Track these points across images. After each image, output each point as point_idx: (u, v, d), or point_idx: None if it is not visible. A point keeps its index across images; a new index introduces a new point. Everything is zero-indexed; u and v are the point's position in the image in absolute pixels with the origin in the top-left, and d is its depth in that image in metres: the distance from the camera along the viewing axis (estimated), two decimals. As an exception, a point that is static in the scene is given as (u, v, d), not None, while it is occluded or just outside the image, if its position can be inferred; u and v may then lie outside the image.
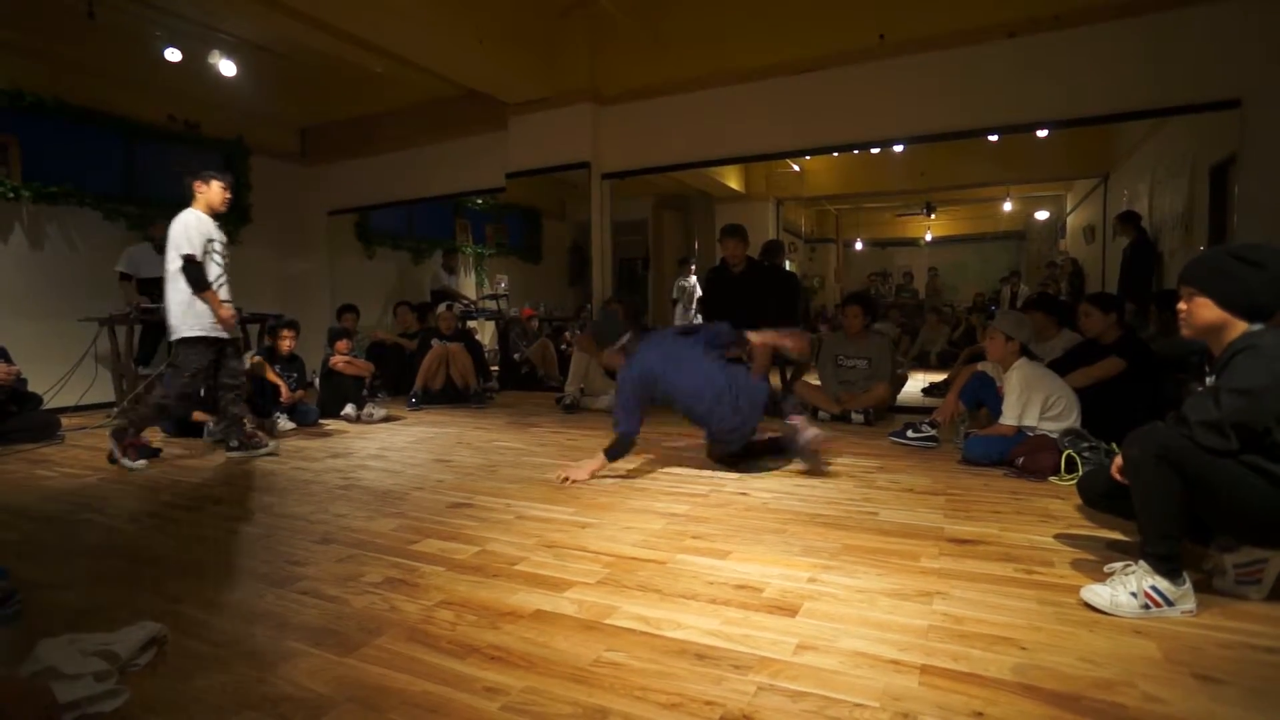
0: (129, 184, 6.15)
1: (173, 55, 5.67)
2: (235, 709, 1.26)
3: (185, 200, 3.55)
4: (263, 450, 3.70)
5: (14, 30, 5.29)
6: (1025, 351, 3.35)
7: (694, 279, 7.86)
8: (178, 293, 3.45)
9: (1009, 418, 3.18)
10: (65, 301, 5.48)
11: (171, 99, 6.35)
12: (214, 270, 3.53)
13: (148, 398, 3.65)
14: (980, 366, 3.69)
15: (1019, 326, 3.33)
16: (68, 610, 1.71)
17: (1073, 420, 3.11)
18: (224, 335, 3.57)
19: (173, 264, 3.44)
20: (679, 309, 8.08)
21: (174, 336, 3.50)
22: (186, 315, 3.45)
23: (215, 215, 3.59)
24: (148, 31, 5.59)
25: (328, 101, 7.28)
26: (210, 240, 3.52)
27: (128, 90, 6.03)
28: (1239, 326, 1.66)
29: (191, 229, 3.43)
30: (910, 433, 3.68)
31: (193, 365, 3.47)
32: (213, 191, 3.53)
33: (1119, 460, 1.75)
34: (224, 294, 3.58)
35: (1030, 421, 3.15)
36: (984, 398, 3.57)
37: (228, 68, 5.92)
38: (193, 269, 3.40)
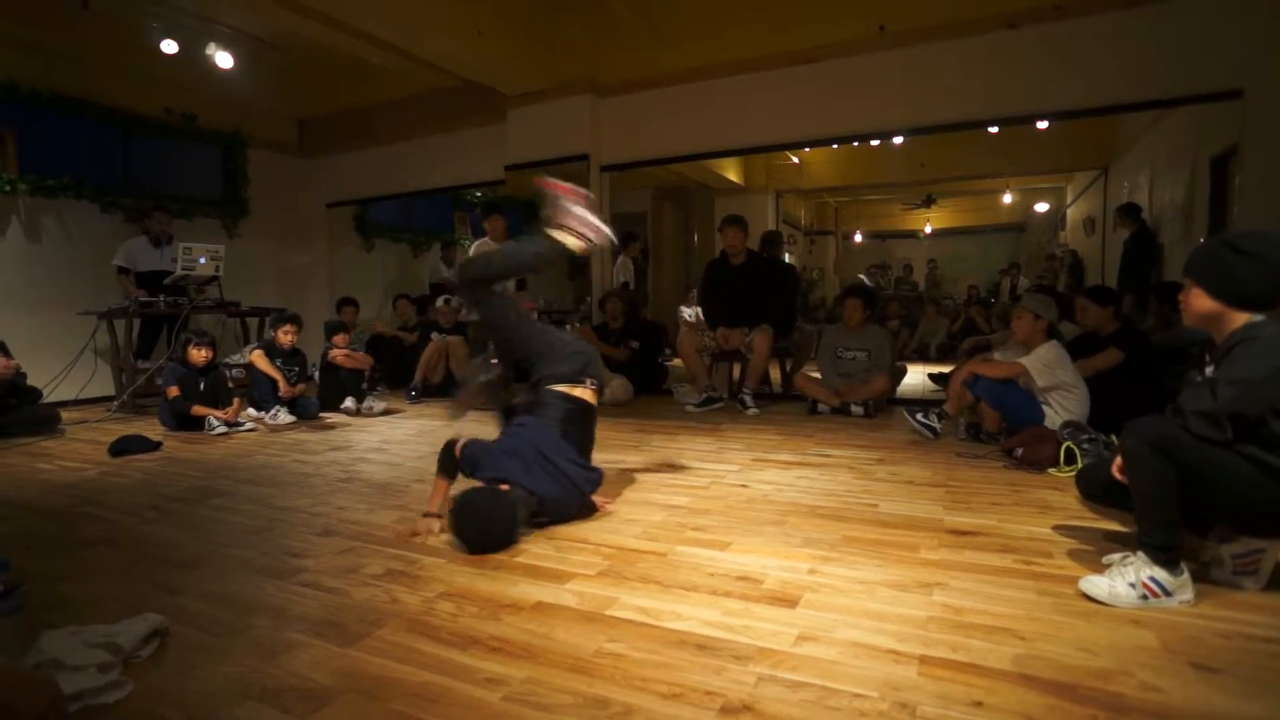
0: (126, 176, 6.12)
1: (169, 47, 5.64)
2: (237, 700, 1.26)
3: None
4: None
5: (8, 21, 5.24)
6: (1053, 334, 3.36)
7: (624, 259, 6.72)
8: None
9: (1025, 360, 3.21)
10: (64, 295, 5.46)
11: (168, 91, 6.30)
12: None
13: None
14: (987, 357, 3.65)
15: (1047, 306, 3.35)
16: (69, 602, 1.72)
17: (1077, 416, 3.12)
18: None
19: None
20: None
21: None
22: None
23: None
24: (144, 23, 5.56)
25: (325, 93, 7.23)
26: None
27: (124, 82, 5.98)
28: (1238, 317, 1.66)
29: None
30: (920, 415, 3.69)
31: None
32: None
33: (1119, 460, 1.74)
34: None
35: (1039, 381, 3.19)
36: (1004, 394, 3.34)
37: (224, 60, 5.89)
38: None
